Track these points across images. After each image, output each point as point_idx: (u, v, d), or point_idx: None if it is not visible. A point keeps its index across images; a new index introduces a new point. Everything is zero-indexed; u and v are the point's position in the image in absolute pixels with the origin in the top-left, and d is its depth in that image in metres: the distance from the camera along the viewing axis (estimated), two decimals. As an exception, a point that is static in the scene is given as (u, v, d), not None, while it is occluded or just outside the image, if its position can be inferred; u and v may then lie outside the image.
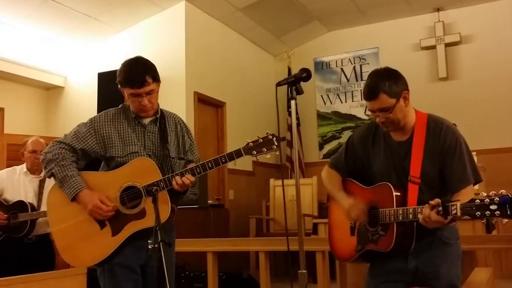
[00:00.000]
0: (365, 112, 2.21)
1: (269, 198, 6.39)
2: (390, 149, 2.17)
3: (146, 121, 2.49)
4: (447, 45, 6.66)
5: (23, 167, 3.86)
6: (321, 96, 7.42)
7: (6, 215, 3.66)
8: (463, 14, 6.68)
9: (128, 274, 2.35)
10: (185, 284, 4.21)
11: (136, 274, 2.37)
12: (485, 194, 1.77)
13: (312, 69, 7.01)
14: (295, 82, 2.20)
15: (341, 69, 7.35)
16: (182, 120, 2.64)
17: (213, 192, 6.03)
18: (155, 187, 2.23)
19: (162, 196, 2.27)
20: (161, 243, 1.96)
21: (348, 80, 7.29)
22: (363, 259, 2.25)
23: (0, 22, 5.37)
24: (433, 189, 2.05)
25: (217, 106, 6.51)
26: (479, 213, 1.73)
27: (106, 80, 5.45)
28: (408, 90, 2.12)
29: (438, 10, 6.74)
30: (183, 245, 3.60)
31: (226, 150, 6.27)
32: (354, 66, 7.26)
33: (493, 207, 1.71)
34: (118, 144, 2.43)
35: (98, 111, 2.60)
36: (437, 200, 1.84)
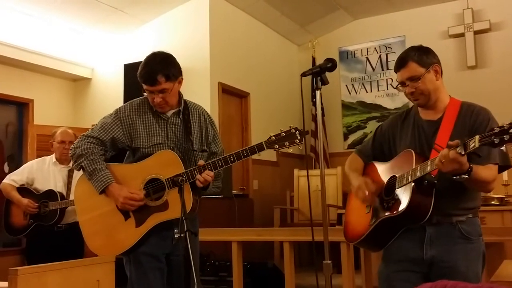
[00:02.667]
0: (396, 86, 2.16)
1: (293, 189, 6.39)
2: (418, 127, 2.12)
3: (169, 113, 2.51)
4: (476, 32, 6.50)
5: (52, 157, 3.94)
6: (346, 85, 7.35)
7: (36, 204, 3.76)
8: (493, 1, 6.50)
9: (153, 262, 2.39)
10: (210, 273, 4.25)
11: (161, 263, 2.42)
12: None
13: (336, 58, 6.94)
14: (320, 72, 2.18)
15: (367, 58, 7.25)
16: (206, 111, 2.64)
17: (237, 182, 6.06)
18: (181, 178, 2.26)
19: (185, 187, 2.29)
20: (187, 233, 1.99)
21: (373, 70, 7.19)
22: (375, 241, 2.14)
23: (28, 14, 5.47)
24: None
25: (241, 96, 6.52)
26: (497, 139, 1.61)
27: (132, 71, 5.46)
28: (439, 64, 2.10)
29: (466, -4, 6.60)
30: (208, 234, 3.64)
31: (250, 140, 6.29)
32: (380, 55, 7.16)
33: None
34: (143, 135, 2.46)
35: (125, 102, 2.64)
36: (456, 141, 1.75)
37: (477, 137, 1.68)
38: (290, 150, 2.34)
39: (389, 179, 2.09)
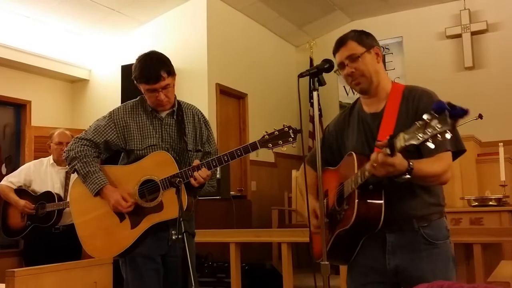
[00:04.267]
0: (335, 70, 2.05)
1: (291, 190, 6.39)
2: (363, 122, 1.98)
3: (163, 114, 2.51)
4: (473, 33, 6.52)
5: (50, 158, 3.94)
6: (344, 86, 7.36)
7: (34, 205, 3.76)
8: (490, 2, 6.52)
9: (149, 263, 2.39)
10: (208, 274, 4.25)
11: (157, 264, 2.41)
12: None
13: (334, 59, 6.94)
14: (317, 73, 2.16)
15: (364, 59, 7.25)
16: (200, 111, 2.64)
17: (235, 184, 6.06)
18: (178, 179, 2.25)
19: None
20: (184, 234, 1.99)
21: (371, 70, 7.19)
22: (340, 255, 1.97)
23: (25, 16, 5.47)
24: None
25: (239, 97, 6.52)
26: (420, 135, 1.42)
27: (129, 72, 5.42)
28: (380, 48, 2.03)
29: (463, -3, 6.61)
30: (206, 236, 3.64)
31: (248, 141, 6.26)
32: (377, 56, 7.16)
33: (433, 123, 1.39)
34: (137, 137, 2.46)
35: (122, 103, 2.64)
36: (385, 141, 1.56)
37: (401, 133, 1.50)
38: (284, 149, 2.33)
39: (338, 187, 1.94)
